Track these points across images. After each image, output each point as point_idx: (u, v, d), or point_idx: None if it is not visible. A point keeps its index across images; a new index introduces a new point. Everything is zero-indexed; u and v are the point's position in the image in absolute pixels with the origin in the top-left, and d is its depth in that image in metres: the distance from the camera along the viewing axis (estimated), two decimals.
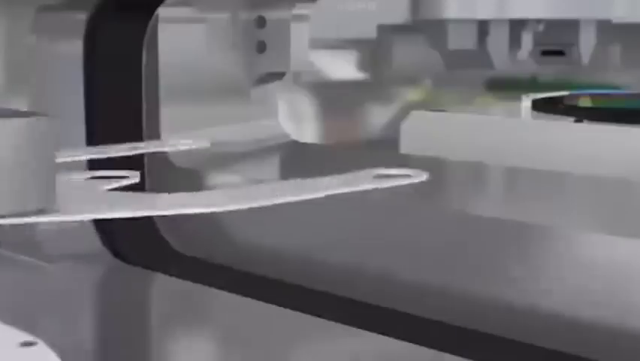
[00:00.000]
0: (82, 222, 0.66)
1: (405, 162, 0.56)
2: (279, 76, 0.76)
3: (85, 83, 0.65)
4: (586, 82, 1.05)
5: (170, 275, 0.63)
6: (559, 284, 0.54)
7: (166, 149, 0.63)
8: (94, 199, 0.39)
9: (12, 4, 0.69)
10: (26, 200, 0.35)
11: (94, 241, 0.66)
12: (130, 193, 0.39)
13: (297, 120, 0.94)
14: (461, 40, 0.96)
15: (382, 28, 0.93)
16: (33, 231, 0.64)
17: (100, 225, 0.67)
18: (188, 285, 0.60)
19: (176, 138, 0.56)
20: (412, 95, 1.04)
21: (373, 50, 0.99)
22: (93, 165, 0.48)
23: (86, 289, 0.63)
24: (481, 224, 0.58)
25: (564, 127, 0.75)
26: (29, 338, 0.32)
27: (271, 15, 0.73)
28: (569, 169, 0.66)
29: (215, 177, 0.72)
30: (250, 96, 0.76)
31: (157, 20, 0.69)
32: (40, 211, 0.35)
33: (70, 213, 0.36)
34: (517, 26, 0.99)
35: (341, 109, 1.00)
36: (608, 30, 1.03)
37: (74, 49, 0.66)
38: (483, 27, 0.98)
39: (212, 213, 0.39)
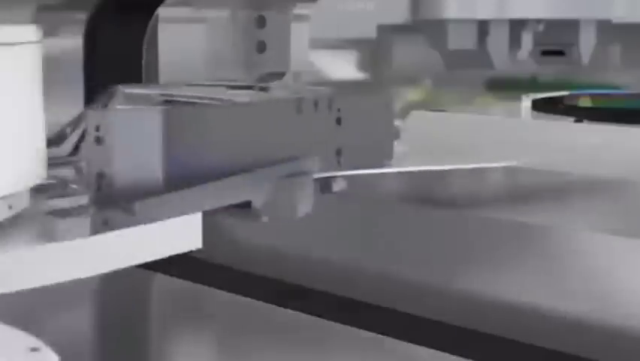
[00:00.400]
0: None
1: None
2: (279, 76, 0.76)
3: (85, 83, 0.65)
4: (586, 82, 1.05)
5: (170, 275, 0.63)
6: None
7: None
8: None
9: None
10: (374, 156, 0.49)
11: None
12: None
13: None
14: (461, 40, 0.96)
15: (382, 28, 0.93)
16: None
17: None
18: (188, 285, 0.60)
19: None
20: (412, 95, 1.04)
21: (373, 50, 0.99)
22: None
23: (87, 289, 0.63)
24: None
25: (564, 127, 0.75)
26: (34, 342, 0.32)
27: (271, 15, 0.73)
28: (569, 169, 0.66)
29: None
30: None
31: (157, 20, 0.69)
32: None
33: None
34: (517, 26, 0.99)
35: None
36: (608, 30, 1.03)
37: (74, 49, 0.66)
38: (483, 27, 0.97)
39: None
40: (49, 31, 0.68)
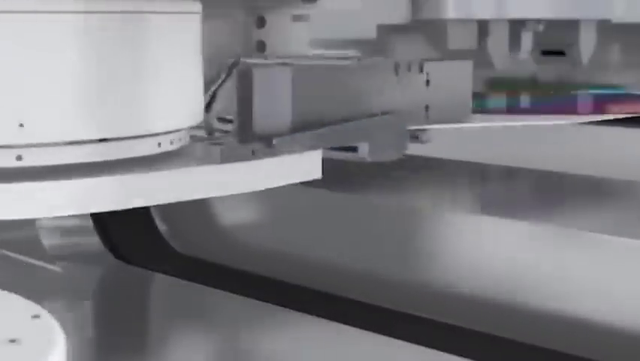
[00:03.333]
0: (83, 221, 0.66)
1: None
2: None
3: None
4: (586, 82, 1.05)
5: (170, 275, 0.63)
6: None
7: None
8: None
9: None
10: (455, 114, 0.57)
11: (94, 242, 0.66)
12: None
13: None
14: (461, 40, 0.96)
15: (382, 28, 0.93)
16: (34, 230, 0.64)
17: (101, 225, 0.67)
18: (188, 285, 0.60)
19: None
20: None
21: (373, 50, 0.99)
22: None
23: (86, 289, 0.63)
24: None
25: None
26: (35, 309, 0.33)
27: (271, 15, 0.73)
28: (551, 168, 0.68)
29: None
30: None
31: None
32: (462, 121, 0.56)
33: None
34: (517, 26, 0.99)
35: None
36: (608, 30, 1.03)
37: None
38: (483, 27, 0.97)
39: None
40: None
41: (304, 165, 0.48)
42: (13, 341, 0.30)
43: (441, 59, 0.62)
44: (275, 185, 0.47)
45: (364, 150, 0.50)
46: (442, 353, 0.48)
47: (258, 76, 0.46)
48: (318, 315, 0.53)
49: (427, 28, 0.97)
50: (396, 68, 0.54)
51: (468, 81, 0.60)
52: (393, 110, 0.52)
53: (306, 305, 0.55)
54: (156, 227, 0.69)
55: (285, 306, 0.55)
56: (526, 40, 1.00)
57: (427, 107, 0.55)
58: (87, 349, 0.51)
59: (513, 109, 0.75)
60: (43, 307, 0.33)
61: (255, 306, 0.56)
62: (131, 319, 0.57)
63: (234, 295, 0.58)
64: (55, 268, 0.62)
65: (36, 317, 0.32)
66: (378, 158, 0.50)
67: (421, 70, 0.55)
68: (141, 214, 0.68)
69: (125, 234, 0.67)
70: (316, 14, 0.73)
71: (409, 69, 0.54)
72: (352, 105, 0.50)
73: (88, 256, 0.66)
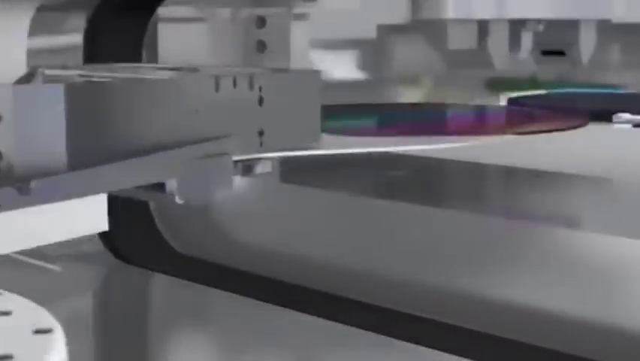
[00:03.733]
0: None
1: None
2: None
3: None
4: (586, 82, 1.05)
5: (170, 275, 0.63)
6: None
7: None
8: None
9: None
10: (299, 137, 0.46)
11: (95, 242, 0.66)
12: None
13: None
14: (461, 40, 0.96)
15: (382, 28, 0.93)
16: None
17: None
18: (188, 285, 0.60)
19: None
20: (412, 95, 1.04)
21: (373, 50, 0.99)
22: None
23: (86, 289, 0.63)
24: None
25: None
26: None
27: (271, 15, 0.73)
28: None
29: None
30: None
31: (157, 20, 0.69)
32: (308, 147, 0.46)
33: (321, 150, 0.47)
34: (517, 26, 0.99)
35: None
36: (608, 30, 1.03)
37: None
38: (483, 27, 0.98)
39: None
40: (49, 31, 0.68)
41: (81, 217, 0.37)
42: (12, 341, 0.30)
43: (280, 70, 0.49)
44: (29, 247, 0.37)
45: (173, 189, 0.40)
46: (442, 353, 0.48)
47: (15, 97, 0.35)
48: (318, 315, 0.53)
49: (427, 28, 0.97)
50: (217, 83, 0.42)
51: (315, 96, 0.47)
52: (215, 137, 0.42)
53: (306, 305, 0.55)
54: (156, 227, 0.69)
55: (285, 306, 0.55)
56: (526, 40, 1.00)
57: (261, 132, 0.45)
58: (87, 349, 0.51)
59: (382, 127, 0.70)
60: (43, 307, 0.32)
61: (255, 306, 0.56)
62: (131, 319, 0.57)
63: (234, 295, 0.58)
64: (55, 268, 0.62)
65: (36, 316, 0.32)
66: (194, 199, 0.41)
67: (251, 85, 0.44)
68: (141, 214, 0.68)
69: (125, 234, 0.67)
70: (316, 14, 0.73)
71: (235, 85, 0.43)
72: (157, 132, 0.40)
73: (88, 256, 0.66)
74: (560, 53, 1.03)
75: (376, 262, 0.61)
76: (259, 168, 0.45)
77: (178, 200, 0.40)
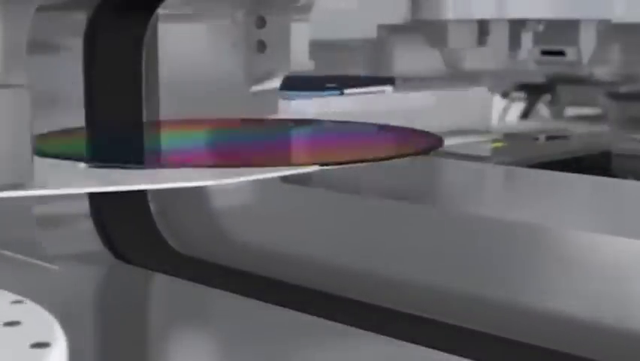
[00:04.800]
0: (83, 223, 0.66)
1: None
2: (279, 76, 0.76)
3: (85, 82, 0.65)
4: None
5: (170, 275, 0.63)
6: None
7: None
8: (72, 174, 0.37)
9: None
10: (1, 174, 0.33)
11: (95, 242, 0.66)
12: (114, 170, 0.38)
13: None
14: (461, 40, 0.96)
15: (382, 28, 0.93)
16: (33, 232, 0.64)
17: (101, 225, 0.67)
18: (188, 285, 0.60)
19: None
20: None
21: (373, 50, 0.99)
22: None
23: (86, 289, 0.63)
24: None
25: None
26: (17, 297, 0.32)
27: (271, 15, 0.73)
28: None
29: None
30: (250, 96, 0.76)
31: (157, 20, 0.69)
32: (17, 185, 0.34)
33: (45, 188, 0.35)
34: (517, 26, 0.99)
35: None
36: (608, 30, 1.03)
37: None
38: (483, 27, 0.98)
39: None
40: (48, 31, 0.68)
41: None
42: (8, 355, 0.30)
43: None
44: None
45: None
46: (442, 353, 0.48)
47: None
48: (318, 315, 0.53)
49: (427, 28, 0.97)
50: None
51: (23, 124, 0.36)
52: None
53: (306, 305, 0.55)
54: (156, 227, 0.69)
55: (285, 306, 0.55)
56: (526, 40, 1.00)
57: None
58: (87, 349, 0.51)
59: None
60: (43, 307, 0.32)
61: (255, 306, 0.56)
62: (131, 319, 0.57)
63: (234, 295, 0.58)
64: (55, 268, 0.62)
65: (36, 316, 0.32)
66: None
67: None
68: (141, 214, 0.68)
69: (125, 234, 0.67)
70: (316, 14, 0.73)
71: None
72: None
73: (88, 255, 0.66)
74: (560, 53, 1.03)
75: (376, 261, 0.61)
76: None
77: None
